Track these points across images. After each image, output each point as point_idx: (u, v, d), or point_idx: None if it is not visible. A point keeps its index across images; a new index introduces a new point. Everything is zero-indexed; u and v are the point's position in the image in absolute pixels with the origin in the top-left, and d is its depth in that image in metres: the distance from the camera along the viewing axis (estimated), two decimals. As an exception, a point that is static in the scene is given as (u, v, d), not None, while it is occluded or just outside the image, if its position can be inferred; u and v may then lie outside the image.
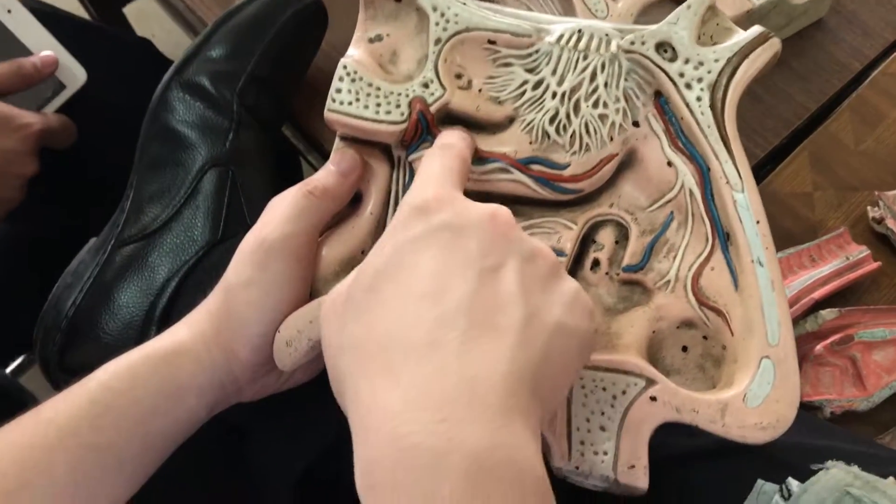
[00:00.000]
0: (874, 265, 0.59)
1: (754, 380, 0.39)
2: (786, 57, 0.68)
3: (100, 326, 0.52)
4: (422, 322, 0.32)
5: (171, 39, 1.31)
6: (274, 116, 0.62)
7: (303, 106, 0.67)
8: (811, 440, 0.47)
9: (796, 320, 0.58)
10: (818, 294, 0.58)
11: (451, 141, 0.41)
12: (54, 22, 0.67)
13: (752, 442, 0.39)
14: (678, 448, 0.45)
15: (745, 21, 0.63)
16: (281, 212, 0.42)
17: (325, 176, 0.43)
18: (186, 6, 0.72)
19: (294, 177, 0.77)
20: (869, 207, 0.62)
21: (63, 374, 0.54)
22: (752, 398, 0.39)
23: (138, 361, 0.41)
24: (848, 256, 0.59)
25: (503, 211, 0.36)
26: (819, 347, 0.56)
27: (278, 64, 0.61)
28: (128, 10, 1.29)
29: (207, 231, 0.53)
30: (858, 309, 0.57)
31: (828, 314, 0.57)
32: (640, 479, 0.39)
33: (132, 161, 0.58)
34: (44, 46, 0.65)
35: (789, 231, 0.62)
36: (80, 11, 1.29)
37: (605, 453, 0.39)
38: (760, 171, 0.66)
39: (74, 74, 0.65)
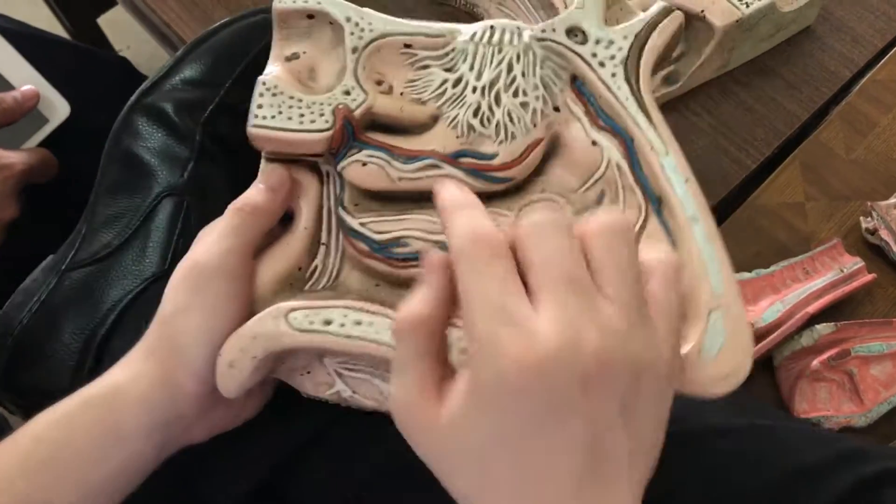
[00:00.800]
0: (869, 277, 0.58)
1: (706, 333, 0.39)
2: (775, 65, 0.68)
3: (43, 349, 0.51)
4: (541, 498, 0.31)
5: (146, 51, 1.30)
6: (245, 144, 0.60)
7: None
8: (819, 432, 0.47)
9: (791, 335, 0.57)
10: (812, 308, 0.57)
11: (463, 199, 0.36)
12: (31, 43, 0.65)
13: (713, 394, 0.38)
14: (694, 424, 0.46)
15: (735, 30, 0.62)
16: (210, 234, 0.41)
17: (255, 194, 0.42)
18: (162, 21, 0.70)
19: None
20: (862, 218, 0.61)
21: (7, 392, 0.52)
22: (708, 351, 0.39)
23: (74, 409, 0.39)
24: (842, 269, 0.59)
25: (591, 349, 0.31)
26: (815, 363, 0.55)
27: (251, 93, 0.59)
28: (102, 21, 1.27)
29: (155, 262, 0.52)
30: (855, 323, 0.56)
31: (824, 329, 0.56)
32: None
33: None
34: (26, 80, 0.63)
35: (782, 243, 0.62)
36: (54, 22, 1.27)
37: None
38: (752, 182, 0.65)
39: (57, 108, 0.63)
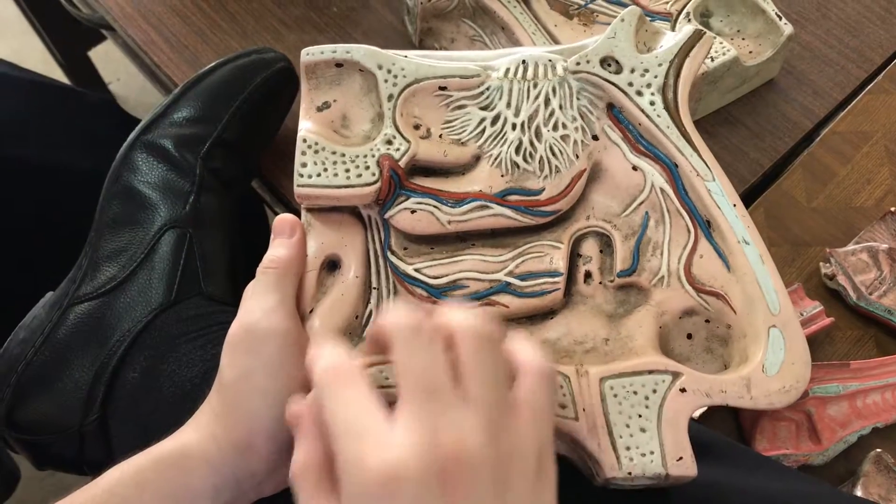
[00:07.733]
0: (827, 321, 0.61)
1: (768, 350, 0.42)
2: (740, 116, 0.71)
3: (50, 384, 0.52)
4: None
5: (135, 83, 1.32)
6: (240, 177, 0.62)
7: (269, 162, 0.68)
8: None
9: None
10: (774, 349, 0.59)
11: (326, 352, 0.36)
12: (16, 86, 0.66)
13: (780, 406, 0.41)
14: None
15: (701, 83, 0.65)
16: (252, 297, 0.42)
17: (272, 248, 0.44)
18: (153, 62, 0.72)
19: (259, 234, 0.77)
20: (821, 264, 0.64)
21: (9, 430, 0.53)
22: (770, 367, 0.41)
23: (145, 466, 0.40)
24: (802, 312, 0.61)
25: (448, 448, 0.32)
26: (775, 403, 0.57)
27: (246, 128, 0.61)
28: (93, 54, 1.30)
29: (161, 293, 0.53)
30: (814, 364, 0.58)
31: (783, 370, 0.58)
32: (689, 469, 0.40)
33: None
34: None
35: (746, 286, 0.64)
36: (46, 54, 1.29)
37: (652, 452, 0.40)
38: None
39: None
